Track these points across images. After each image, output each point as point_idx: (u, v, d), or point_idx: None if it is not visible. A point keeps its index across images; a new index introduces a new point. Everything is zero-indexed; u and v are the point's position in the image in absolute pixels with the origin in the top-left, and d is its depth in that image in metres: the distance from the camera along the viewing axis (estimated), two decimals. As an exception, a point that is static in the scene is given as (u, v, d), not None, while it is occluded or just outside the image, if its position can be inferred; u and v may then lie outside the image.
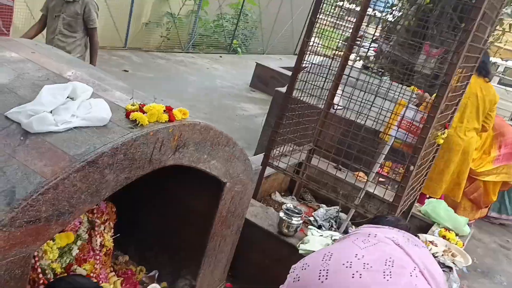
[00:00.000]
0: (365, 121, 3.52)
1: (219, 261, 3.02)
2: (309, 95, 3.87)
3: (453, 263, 3.36)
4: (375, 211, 3.66)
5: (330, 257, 1.56)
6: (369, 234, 1.67)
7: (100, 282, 2.54)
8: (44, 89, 1.91)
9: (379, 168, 4.04)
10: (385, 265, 1.49)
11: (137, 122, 1.95)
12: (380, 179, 4.30)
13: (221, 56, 13.15)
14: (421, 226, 4.24)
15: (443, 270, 3.19)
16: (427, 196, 4.84)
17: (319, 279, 1.50)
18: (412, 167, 3.09)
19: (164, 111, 2.08)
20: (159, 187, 2.83)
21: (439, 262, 3.24)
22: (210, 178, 2.57)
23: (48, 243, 2.23)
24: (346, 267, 1.49)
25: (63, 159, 1.69)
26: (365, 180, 3.94)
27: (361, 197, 3.82)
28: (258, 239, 3.34)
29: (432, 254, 3.34)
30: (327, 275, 1.49)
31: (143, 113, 1.98)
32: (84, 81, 2.20)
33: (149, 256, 3.04)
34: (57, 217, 1.68)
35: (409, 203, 3.83)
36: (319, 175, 3.93)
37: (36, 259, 2.16)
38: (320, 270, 1.52)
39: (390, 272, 1.46)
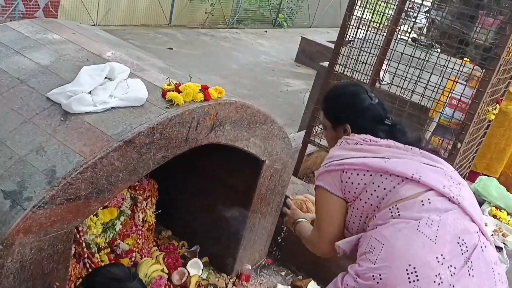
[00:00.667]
0: (411, 96, 3.40)
1: (259, 238, 3.04)
2: (352, 70, 3.77)
3: (504, 243, 3.23)
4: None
5: (415, 273, 1.45)
6: (422, 201, 1.53)
7: (143, 256, 2.62)
8: (83, 70, 1.95)
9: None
10: (462, 255, 1.48)
11: (173, 101, 1.96)
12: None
13: (266, 31, 13.02)
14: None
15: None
16: (481, 173, 4.65)
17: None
18: (459, 144, 2.96)
19: (200, 90, 2.08)
20: (199, 165, 2.87)
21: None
22: (248, 156, 2.58)
23: (91, 218, 2.32)
24: (439, 284, 1.43)
25: (101, 139, 1.74)
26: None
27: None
28: (298, 216, 3.33)
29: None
30: None
31: (179, 93, 2.00)
32: (122, 62, 2.24)
33: (191, 232, 3.11)
34: (97, 194, 1.74)
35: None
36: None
37: (81, 234, 2.26)
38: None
39: (472, 264, 1.48)
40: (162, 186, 2.83)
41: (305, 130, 3.82)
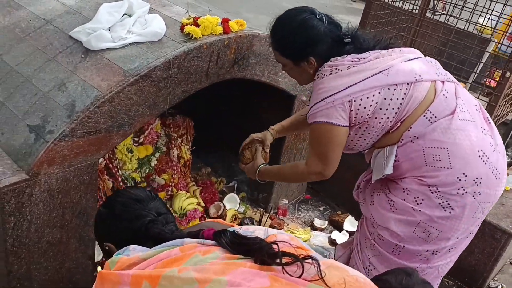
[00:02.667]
0: (467, 26, 3.15)
1: (296, 174, 3.05)
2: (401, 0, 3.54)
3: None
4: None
5: (483, 152, 1.64)
6: (444, 95, 1.64)
7: (179, 190, 2.72)
8: (102, 7, 1.98)
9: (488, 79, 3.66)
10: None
11: (191, 35, 1.95)
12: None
13: (320, -34, 12.43)
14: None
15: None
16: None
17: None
18: (508, 74, 2.76)
19: (220, 23, 2.05)
20: (238, 102, 2.87)
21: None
22: (281, 91, 2.55)
23: (126, 154, 2.43)
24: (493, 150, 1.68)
25: (118, 74, 1.78)
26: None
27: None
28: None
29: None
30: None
31: (197, 26, 1.98)
32: (145, -2, 2.24)
33: (230, 169, 3.18)
34: (117, 128, 1.80)
35: (509, 113, 3.48)
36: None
37: (116, 169, 2.37)
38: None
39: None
40: (203, 123, 2.88)
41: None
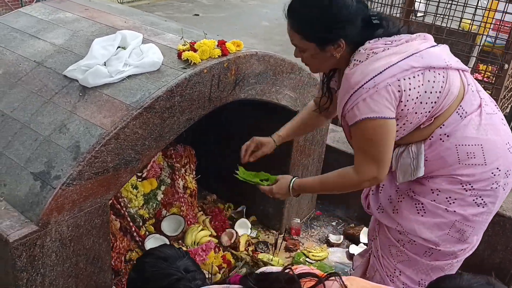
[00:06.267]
0: (450, 24, 3.15)
1: (304, 191, 2.98)
2: (383, 5, 3.54)
3: None
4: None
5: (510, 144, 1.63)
6: (471, 89, 1.59)
7: (189, 222, 2.63)
8: (95, 42, 1.91)
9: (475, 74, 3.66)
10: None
11: (190, 61, 1.89)
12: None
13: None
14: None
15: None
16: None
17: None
18: (506, 66, 2.74)
19: (217, 45, 2.00)
20: (235, 126, 2.80)
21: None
22: (282, 108, 2.49)
23: (131, 191, 2.34)
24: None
25: (120, 108, 1.70)
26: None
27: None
28: (343, 164, 3.23)
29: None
30: None
31: (195, 51, 1.92)
32: (136, 29, 2.18)
33: (236, 193, 3.09)
34: (125, 165, 1.72)
35: (510, 106, 3.46)
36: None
37: (123, 209, 2.28)
38: None
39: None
40: (203, 151, 2.80)
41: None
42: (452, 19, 3.17)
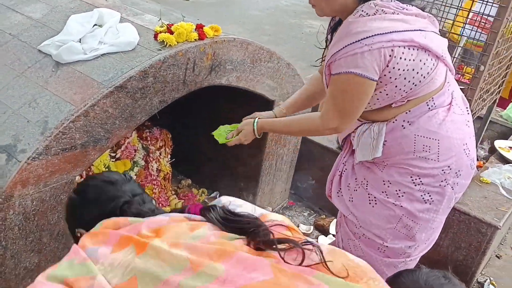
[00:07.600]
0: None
1: (278, 180, 3.01)
2: None
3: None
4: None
5: (467, 145, 1.65)
6: (449, 84, 1.61)
7: (160, 205, 2.64)
8: (71, 18, 1.90)
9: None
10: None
11: (165, 43, 1.89)
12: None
13: (286, -27, 12.53)
14: (502, 131, 3.91)
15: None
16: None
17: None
18: (482, 67, 2.78)
19: (195, 29, 2.00)
20: (214, 111, 2.81)
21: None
22: (259, 96, 2.50)
23: (104, 170, 2.33)
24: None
25: (91, 86, 1.70)
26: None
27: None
28: (317, 155, 3.27)
29: None
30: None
31: (171, 34, 1.92)
32: (116, 8, 2.17)
33: (210, 179, 3.11)
34: (94, 143, 1.72)
35: (485, 107, 3.51)
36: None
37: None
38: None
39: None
40: (181, 136, 2.81)
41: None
42: (440, 20, 3.19)
